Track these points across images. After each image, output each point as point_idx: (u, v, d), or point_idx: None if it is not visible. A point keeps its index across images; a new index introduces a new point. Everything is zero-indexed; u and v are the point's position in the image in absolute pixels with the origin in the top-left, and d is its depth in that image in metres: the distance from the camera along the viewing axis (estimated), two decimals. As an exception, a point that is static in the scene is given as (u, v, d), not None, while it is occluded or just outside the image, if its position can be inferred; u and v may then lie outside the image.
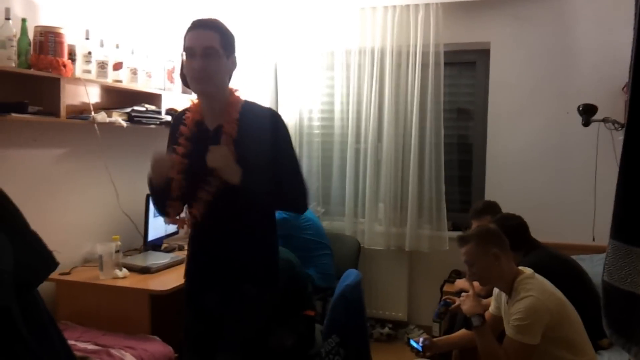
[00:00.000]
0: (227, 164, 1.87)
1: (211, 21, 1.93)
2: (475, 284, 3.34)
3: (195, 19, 1.94)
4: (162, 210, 2.10)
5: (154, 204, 2.16)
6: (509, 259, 2.31)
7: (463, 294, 2.44)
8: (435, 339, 2.62)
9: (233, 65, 1.99)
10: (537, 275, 2.30)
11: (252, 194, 1.94)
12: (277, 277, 2.11)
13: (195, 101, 2.07)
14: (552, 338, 2.15)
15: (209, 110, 2.01)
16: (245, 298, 2.02)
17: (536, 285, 2.22)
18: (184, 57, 1.92)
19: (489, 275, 2.30)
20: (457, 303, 2.46)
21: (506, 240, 2.34)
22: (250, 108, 2.03)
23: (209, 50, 1.87)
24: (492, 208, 3.23)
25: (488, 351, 2.21)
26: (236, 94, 2.04)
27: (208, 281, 2.08)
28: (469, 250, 2.31)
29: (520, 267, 2.35)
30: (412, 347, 2.52)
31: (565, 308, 2.22)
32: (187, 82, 1.96)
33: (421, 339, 2.55)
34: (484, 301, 2.63)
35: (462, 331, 2.55)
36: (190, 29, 1.92)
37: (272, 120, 2.01)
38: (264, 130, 1.98)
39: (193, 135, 2.01)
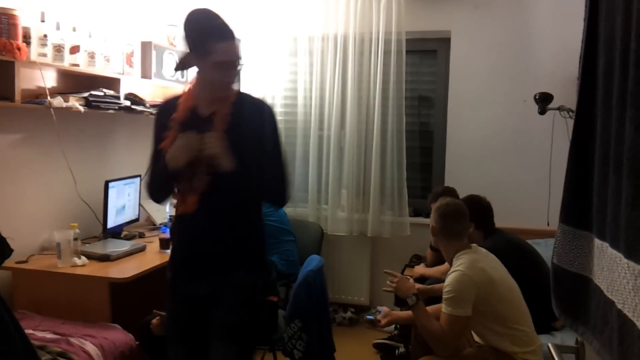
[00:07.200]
0: (223, 151, 1.89)
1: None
2: (432, 270, 3.42)
3: (218, 23, 1.90)
4: (161, 197, 2.14)
5: (155, 189, 2.10)
6: (463, 238, 2.42)
7: (388, 281, 2.51)
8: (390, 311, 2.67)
9: None
10: (475, 250, 2.39)
11: (243, 181, 1.95)
12: (265, 262, 2.16)
13: (188, 89, 2.06)
14: (482, 311, 2.24)
15: (204, 98, 2.01)
16: (238, 285, 2.03)
17: (467, 260, 2.30)
18: (210, 60, 1.90)
19: (439, 246, 2.49)
20: (389, 289, 2.52)
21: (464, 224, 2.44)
22: (244, 97, 2.08)
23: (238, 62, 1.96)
24: (451, 193, 3.30)
25: (425, 325, 2.29)
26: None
27: (198, 271, 2.05)
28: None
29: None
30: (368, 320, 2.60)
31: (494, 286, 2.27)
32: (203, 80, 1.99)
33: (378, 309, 2.61)
34: (437, 286, 2.70)
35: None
36: (222, 38, 1.90)
37: (263, 110, 2.05)
38: (256, 119, 2.02)
39: (186, 122, 2.00)
